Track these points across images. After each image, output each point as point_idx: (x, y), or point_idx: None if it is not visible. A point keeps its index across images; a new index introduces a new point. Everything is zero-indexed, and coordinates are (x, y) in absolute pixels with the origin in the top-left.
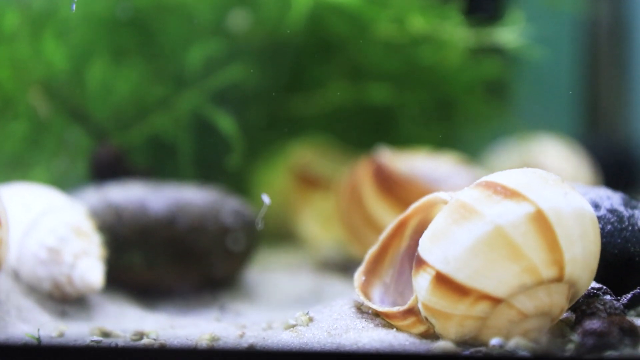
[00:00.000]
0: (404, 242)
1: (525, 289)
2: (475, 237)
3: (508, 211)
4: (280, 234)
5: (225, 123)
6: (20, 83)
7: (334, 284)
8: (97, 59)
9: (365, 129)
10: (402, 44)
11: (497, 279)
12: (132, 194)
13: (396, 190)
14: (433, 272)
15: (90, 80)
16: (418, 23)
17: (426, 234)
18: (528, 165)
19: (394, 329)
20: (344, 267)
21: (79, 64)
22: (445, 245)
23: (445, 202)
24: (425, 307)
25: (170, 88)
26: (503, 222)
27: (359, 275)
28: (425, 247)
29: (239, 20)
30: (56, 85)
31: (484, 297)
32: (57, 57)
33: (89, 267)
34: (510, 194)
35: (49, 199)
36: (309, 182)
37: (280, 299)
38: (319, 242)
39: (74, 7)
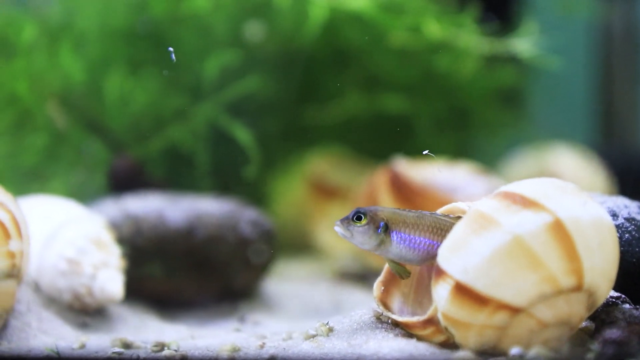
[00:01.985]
0: None
1: (544, 298)
2: (495, 246)
3: (527, 221)
4: (298, 245)
5: (242, 134)
6: (38, 95)
7: (352, 294)
8: (114, 71)
9: (380, 139)
10: (417, 51)
11: (517, 288)
12: (151, 205)
13: (413, 199)
14: (452, 282)
15: (107, 92)
16: (434, 30)
17: (445, 244)
18: (544, 174)
19: (414, 339)
20: (362, 277)
21: (96, 76)
22: (464, 255)
23: (464, 212)
24: (445, 316)
25: (187, 99)
26: (522, 232)
27: (378, 285)
28: (445, 257)
29: (254, 31)
30: (74, 97)
31: (504, 306)
32: (74, 69)
33: (109, 278)
34: (529, 203)
35: (68, 211)
36: (326, 191)
37: (298, 309)
38: (335, 252)
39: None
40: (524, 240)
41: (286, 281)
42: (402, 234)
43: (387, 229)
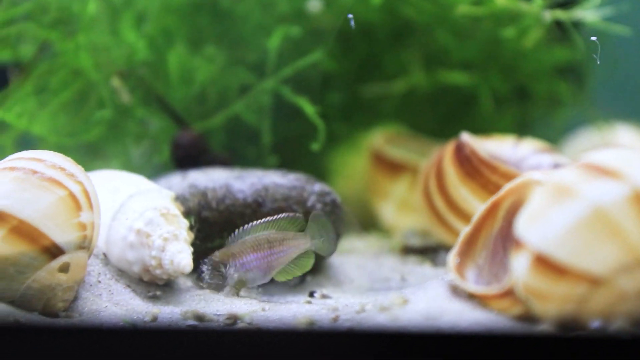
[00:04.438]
0: (497, 223)
1: (626, 269)
2: (575, 217)
3: (607, 191)
4: (361, 220)
5: (308, 107)
6: (102, 70)
7: (418, 268)
8: (177, 46)
9: (440, 116)
10: (481, 23)
11: (598, 258)
12: (217, 179)
13: (480, 174)
14: (532, 253)
15: (170, 66)
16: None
17: (524, 215)
18: None
19: (491, 311)
20: (426, 251)
21: (159, 51)
22: (544, 226)
23: (540, 184)
24: (524, 288)
25: (250, 74)
26: (603, 202)
27: (453, 256)
28: (524, 228)
29: (315, 5)
30: (137, 72)
31: (585, 277)
32: (138, 45)
33: (178, 250)
34: (609, 173)
35: (137, 184)
36: (390, 166)
37: (366, 283)
38: (399, 227)
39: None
40: (605, 210)
41: (351, 255)
42: (232, 263)
43: (225, 267)
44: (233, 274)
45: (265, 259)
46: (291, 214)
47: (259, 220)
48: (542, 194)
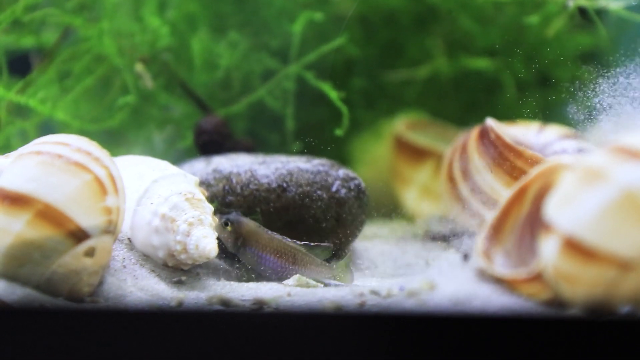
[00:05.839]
0: (525, 208)
1: None
2: (606, 201)
3: (638, 174)
4: (384, 207)
5: (332, 93)
6: (125, 56)
7: (442, 254)
8: (199, 32)
9: (464, 103)
10: (505, 12)
11: (628, 242)
12: (241, 164)
13: (505, 159)
14: (562, 237)
15: (194, 52)
16: None
17: (554, 199)
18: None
19: (519, 296)
20: (450, 237)
21: (181, 37)
22: (574, 210)
23: (569, 168)
24: (555, 270)
25: (273, 60)
26: (633, 185)
27: (481, 241)
28: (553, 212)
29: None
30: (160, 58)
31: (615, 261)
32: (161, 30)
33: (203, 235)
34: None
35: (161, 169)
36: (412, 152)
37: (390, 268)
38: (422, 213)
39: None
40: (636, 193)
41: (375, 241)
42: (254, 250)
43: (244, 243)
44: (248, 255)
45: (284, 269)
46: (324, 244)
47: (294, 241)
48: (571, 177)
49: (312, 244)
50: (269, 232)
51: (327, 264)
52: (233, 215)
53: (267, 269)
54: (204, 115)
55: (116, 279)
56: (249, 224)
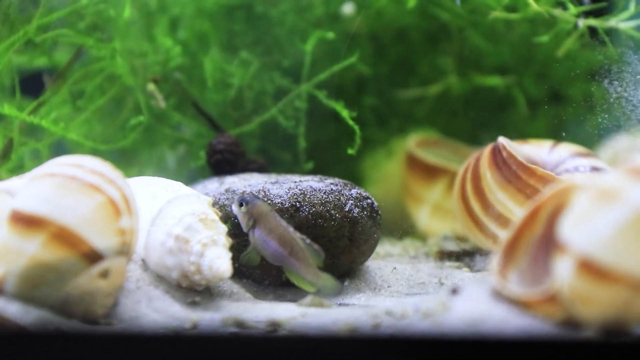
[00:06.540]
0: (539, 228)
1: None
2: (621, 221)
3: None
4: (396, 225)
5: (343, 112)
6: (138, 76)
7: (455, 273)
8: (212, 50)
9: (476, 120)
10: (516, 30)
11: None
12: (254, 184)
13: (517, 178)
14: (577, 257)
15: (206, 71)
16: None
17: (568, 219)
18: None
19: (534, 316)
20: (463, 256)
21: (193, 57)
22: (589, 230)
23: (583, 188)
24: (569, 292)
25: (285, 78)
26: None
27: (496, 261)
28: (568, 232)
29: (349, 8)
30: (173, 77)
31: (630, 281)
32: (173, 50)
33: (217, 255)
34: None
35: (175, 190)
36: (424, 170)
37: (403, 287)
38: (434, 232)
39: None
40: None
41: (388, 260)
42: (261, 233)
43: (254, 224)
44: (255, 238)
45: (282, 256)
46: (315, 246)
47: (296, 232)
48: (586, 197)
49: (307, 240)
50: (278, 218)
51: (316, 271)
52: (249, 197)
53: (269, 254)
54: (217, 135)
55: (130, 301)
56: (262, 206)
